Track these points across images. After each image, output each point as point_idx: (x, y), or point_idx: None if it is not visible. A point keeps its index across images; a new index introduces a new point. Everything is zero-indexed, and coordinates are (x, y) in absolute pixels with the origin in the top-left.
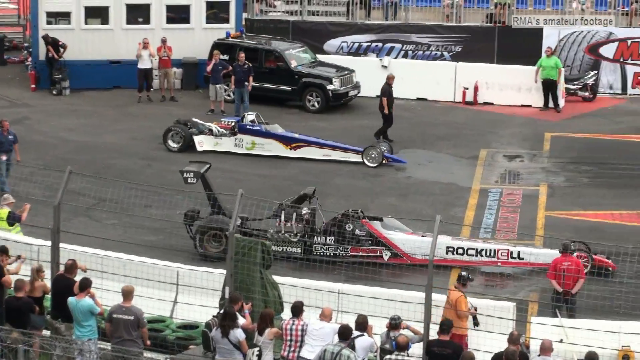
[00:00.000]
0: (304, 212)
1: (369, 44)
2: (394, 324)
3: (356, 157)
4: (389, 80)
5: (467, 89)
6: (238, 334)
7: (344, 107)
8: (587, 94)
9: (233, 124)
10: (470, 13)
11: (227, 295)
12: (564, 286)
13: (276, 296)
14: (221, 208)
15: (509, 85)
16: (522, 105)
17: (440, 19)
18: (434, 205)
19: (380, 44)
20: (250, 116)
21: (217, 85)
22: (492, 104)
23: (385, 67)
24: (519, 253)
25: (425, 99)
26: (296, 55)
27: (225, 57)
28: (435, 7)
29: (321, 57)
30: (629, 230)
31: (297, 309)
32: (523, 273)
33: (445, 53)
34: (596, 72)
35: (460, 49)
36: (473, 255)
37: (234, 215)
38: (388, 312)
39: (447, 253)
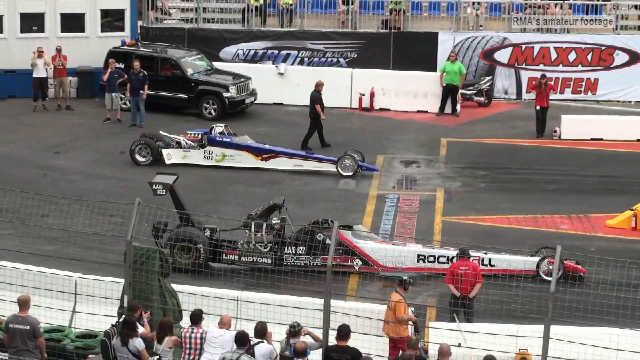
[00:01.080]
0: (274, 222)
1: (265, 51)
2: (294, 331)
3: (329, 167)
4: (318, 87)
5: (364, 95)
6: (137, 343)
7: (240, 115)
8: (482, 99)
9: (201, 136)
10: (366, 19)
11: (125, 304)
12: (462, 291)
13: (175, 304)
14: (189, 220)
15: (405, 91)
16: (419, 111)
17: (335, 25)
18: (331, 212)
19: (276, 51)
20: (219, 128)
21: (113, 94)
22: (388, 110)
23: (281, 74)
24: (490, 260)
25: None
26: (192, 63)
27: (121, 66)
28: (330, 14)
29: (217, 64)
30: (525, 234)
31: (196, 317)
32: (421, 278)
33: (341, 59)
34: (491, 77)
35: (356, 55)
36: (444, 262)
37: (132, 223)
38: (287, 319)
39: (418, 261)
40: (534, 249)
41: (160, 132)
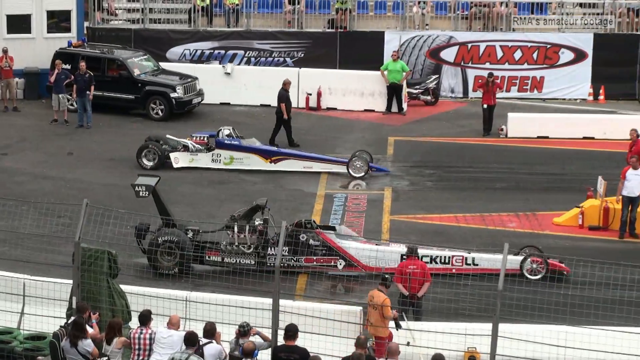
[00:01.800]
0: (257, 223)
1: (212, 51)
2: (243, 331)
3: (339, 168)
4: (285, 85)
5: (311, 94)
6: (87, 345)
7: (188, 115)
8: (429, 97)
9: (207, 138)
10: (312, 19)
11: (74, 305)
12: (410, 289)
13: (123, 305)
14: (172, 221)
15: (352, 91)
16: (366, 110)
17: (282, 25)
18: (280, 211)
19: (222, 51)
20: (226, 130)
21: (60, 95)
22: (335, 109)
23: (228, 74)
24: (473, 259)
25: (269, 106)
26: (139, 64)
27: (68, 67)
28: (277, 14)
29: (164, 65)
30: (473, 233)
31: (145, 318)
32: (370, 277)
33: (287, 59)
34: (437, 76)
35: (302, 55)
36: (427, 262)
37: (80, 225)
38: (236, 319)
39: (401, 261)
40: (517, 248)
41: (167, 136)
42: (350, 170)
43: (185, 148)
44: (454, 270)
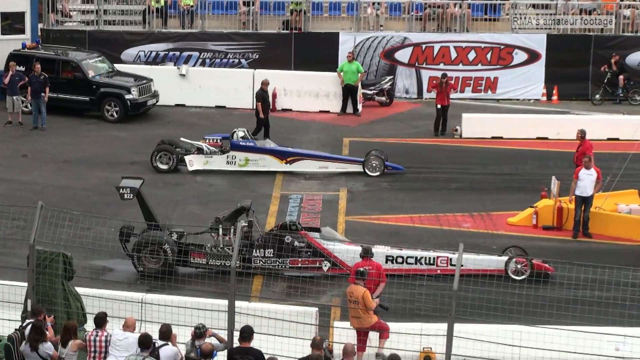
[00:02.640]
0: (241, 225)
1: (167, 52)
2: (199, 332)
3: (355, 168)
4: (263, 85)
5: None
6: (47, 348)
7: (143, 116)
8: (384, 98)
9: (220, 141)
10: (267, 20)
11: (29, 308)
12: None
13: (79, 307)
14: (157, 223)
15: (307, 92)
16: (321, 111)
17: (236, 26)
18: None
19: (177, 53)
20: (240, 132)
21: (14, 97)
22: (290, 110)
23: (183, 75)
24: None
25: (224, 107)
26: (93, 65)
27: (22, 69)
28: (231, 15)
29: (119, 66)
30: (428, 233)
31: (101, 320)
32: (325, 278)
33: (242, 60)
34: (392, 77)
35: (257, 56)
36: (412, 263)
37: (35, 227)
38: (192, 321)
39: (386, 262)
40: (501, 249)
41: (181, 139)
42: (366, 170)
43: (199, 151)
44: (438, 271)
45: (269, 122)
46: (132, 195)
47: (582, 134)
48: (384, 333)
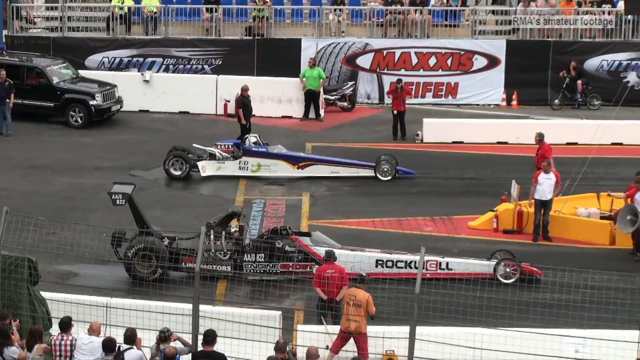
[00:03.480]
0: (232, 230)
1: (130, 58)
2: (163, 336)
3: (367, 172)
4: (243, 91)
5: (229, 101)
6: (12, 352)
7: (107, 122)
8: (345, 104)
9: (232, 146)
10: (230, 26)
11: None
12: (329, 294)
13: (44, 312)
14: (149, 229)
15: (270, 97)
16: (283, 117)
17: (200, 32)
18: (199, 217)
19: (141, 59)
20: (253, 138)
21: None
22: (253, 115)
23: (147, 81)
24: (447, 264)
25: (187, 112)
26: (58, 72)
27: None
28: (194, 21)
29: (83, 72)
30: (390, 237)
31: (66, 324)
32: (288, 282)
33: (205, 66)
34: (354, 82)
35: (220, 62)
36: (402, 267)
37: (0, 232)
38: (157, 325)
39: (376, 266)
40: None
41: (194, 145)
42: (378, 174)
43: (212, 156)
44: (428, 275)
45: (251, 127)
46: (124, 200)
47: (540, 137)
48: (364, 350)
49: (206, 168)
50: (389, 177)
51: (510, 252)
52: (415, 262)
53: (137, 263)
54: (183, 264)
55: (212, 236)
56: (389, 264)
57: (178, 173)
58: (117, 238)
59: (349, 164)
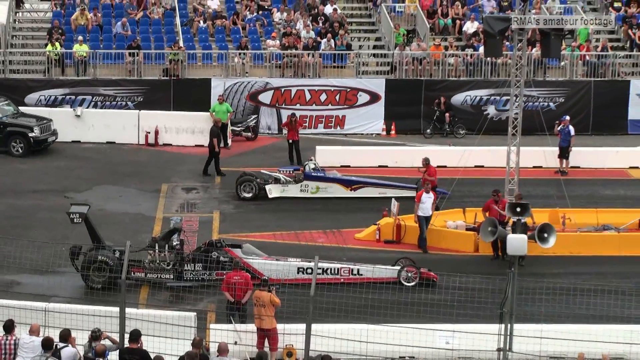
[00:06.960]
0: (174, 243)
1: (64, 96)
2: (95, 335)
3: (409, 193)
4: (216, 123)
5: (149, 132)
6: None
7: (44, 151)
8: (249, 134)
9: (292, 172)
10: (149, 68)
11: None
12: (236, 297)
13: None
14: (102, 243)
15: (185, 129)
16: (196, 145)
17: (124, 73)
18: (124, 232)
19: (73, 97)
20: (312, 164)
21: None
22: (171, 145)
23: (78, 116)
24: (358, 270)
25: (114, 142)
26: (1, 108)
27: None
28: (119, 64)
29: (23, 108)
30: (288, 247)
31: (9, 326)
32: (202, 287)
33: (129, 103)
34: (256, 115)
35: (142, 99)
36: (320, 273)
37: None
38: (89, 326)
39: (298, 273)
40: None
41: (261, 170)
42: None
43: (276, 180)
44: (342, 280)
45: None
46: (80, 219)
47: (426, 162)
48: (273, 345)
49: (272, 191)
50: None
51: (412, 259)
52: (330, 269)
53: (92, 274)
54: (132, 273)
55: (157, 249)
56: (309, 271)
57: (249, 195)
58: (75, 252)
59: (394, 186)
